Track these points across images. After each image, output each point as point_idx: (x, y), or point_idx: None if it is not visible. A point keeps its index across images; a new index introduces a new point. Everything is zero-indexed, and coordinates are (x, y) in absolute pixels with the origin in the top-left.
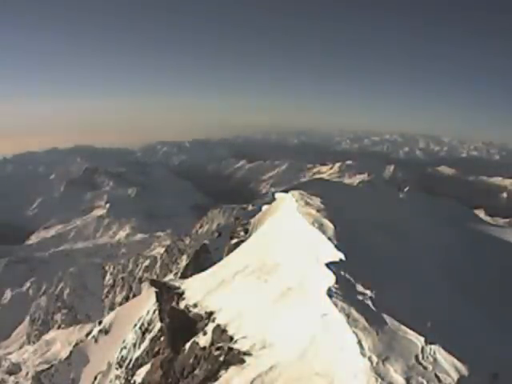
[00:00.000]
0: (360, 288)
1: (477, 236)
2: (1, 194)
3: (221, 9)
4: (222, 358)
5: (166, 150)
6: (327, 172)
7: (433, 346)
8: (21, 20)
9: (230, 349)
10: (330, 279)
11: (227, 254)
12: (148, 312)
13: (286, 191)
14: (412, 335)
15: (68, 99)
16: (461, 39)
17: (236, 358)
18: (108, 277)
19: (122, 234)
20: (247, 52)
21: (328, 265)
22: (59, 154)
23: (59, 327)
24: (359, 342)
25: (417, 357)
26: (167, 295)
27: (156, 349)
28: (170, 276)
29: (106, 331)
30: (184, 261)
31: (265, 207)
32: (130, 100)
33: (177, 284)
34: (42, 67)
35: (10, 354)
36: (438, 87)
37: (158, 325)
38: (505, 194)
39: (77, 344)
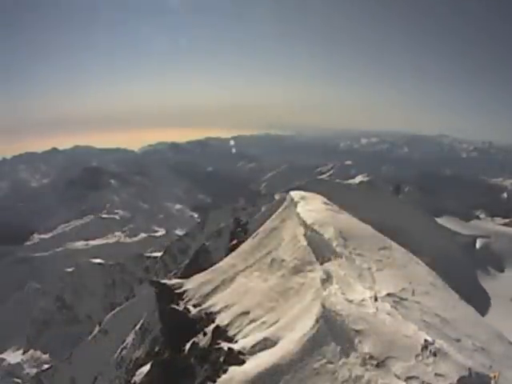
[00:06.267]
0: (360, 288)
1: (475, 237)
2: (1, 194)
3: None
4: (222, 359)
5: (166, 149)
6: (327, 172)
7: (433, 346)
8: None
9: (230, 349)
10: (330, 279)
11: (227, 255)
12: (148, 313)
13: (286, 191)
14: (412, 335)
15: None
16: (461, 38)
17: (236, 358)
18: (108, 277)
19: (121, 234)
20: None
21: (328, 265)
22: (59, 154)
23: (59, 327)
24: (360, 342)
25: (417, 357)
26: (167, 296)
27: (156, 349)
28: (170, 276)
29: (105, 331)
30: (184, 261)
31: (265, 207)
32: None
33: (177, 284)
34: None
35: (10, 354)
36: (438, 87)
37: (158, 325)
38: (505, 194)
39: (77, 344)
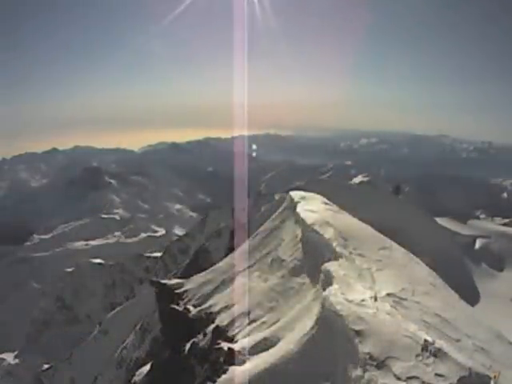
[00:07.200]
0: (360, 288)
1: (475, 237)
2: (1, 194)
3: None
4: (222, 359)
5: (166, 149)
6: (327, 172)
7: (433, 346)
8: None
9: (230, 349)
10: (330, 279)
11: (227, 255)
12: (148, 313)
13: (286, 191)
14: (412, 335)
15: None
16: (461, 38)
17: (236, 358)
18: (108, 277)
19: (121, 234)
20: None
21: (328, 265)
22: (59, 154)
23: (59, 327)
24: (360, 343)
25: (417, 357)
26: (167, 296)
27: (156, 349)
28: (170, 276)
29: (105, 331)
30: (184, 261)
31: (264, 207)
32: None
33: (177, 284)
34: None
35: (9, 354)
36: (439, 87)
37: (158, 325)
38: (505, 194)
39: (77, 344)
